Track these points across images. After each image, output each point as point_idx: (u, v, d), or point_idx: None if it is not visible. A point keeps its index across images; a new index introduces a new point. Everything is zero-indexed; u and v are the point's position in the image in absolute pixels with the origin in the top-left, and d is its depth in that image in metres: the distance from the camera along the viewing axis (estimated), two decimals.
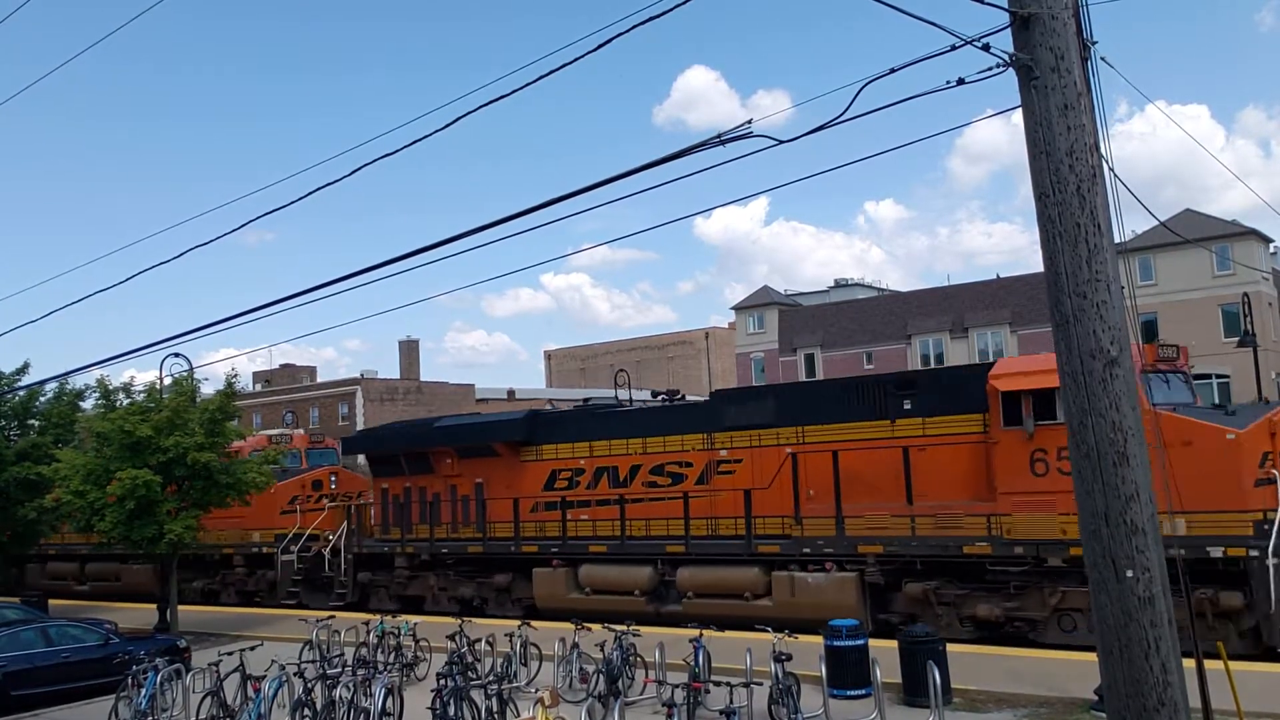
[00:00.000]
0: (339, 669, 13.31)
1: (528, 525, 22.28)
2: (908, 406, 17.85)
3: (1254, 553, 14.34)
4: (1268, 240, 54.94)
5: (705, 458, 20.22)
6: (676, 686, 10.84)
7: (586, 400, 25.21)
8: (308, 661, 14.85)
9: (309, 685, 12.34)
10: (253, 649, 14.07)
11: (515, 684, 13.79)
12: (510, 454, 22.87)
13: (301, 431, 34.22)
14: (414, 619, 17.73)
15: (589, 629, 14.79)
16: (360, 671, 12.55)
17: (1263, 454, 15.27)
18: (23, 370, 25.58)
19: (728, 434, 19.99)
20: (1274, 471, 15.33)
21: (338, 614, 19.36)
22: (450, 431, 24.27)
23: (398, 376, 78.58)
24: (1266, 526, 14.45)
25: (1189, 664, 6.79)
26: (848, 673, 12.98)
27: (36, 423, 25.56)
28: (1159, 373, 16.45)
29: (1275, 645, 14.46)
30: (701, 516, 19.86)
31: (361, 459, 31.36)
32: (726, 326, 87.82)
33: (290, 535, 25.88)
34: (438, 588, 23.48)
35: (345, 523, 25.31)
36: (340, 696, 11.93)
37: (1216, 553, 14.62)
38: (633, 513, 20.59)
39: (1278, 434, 16.10)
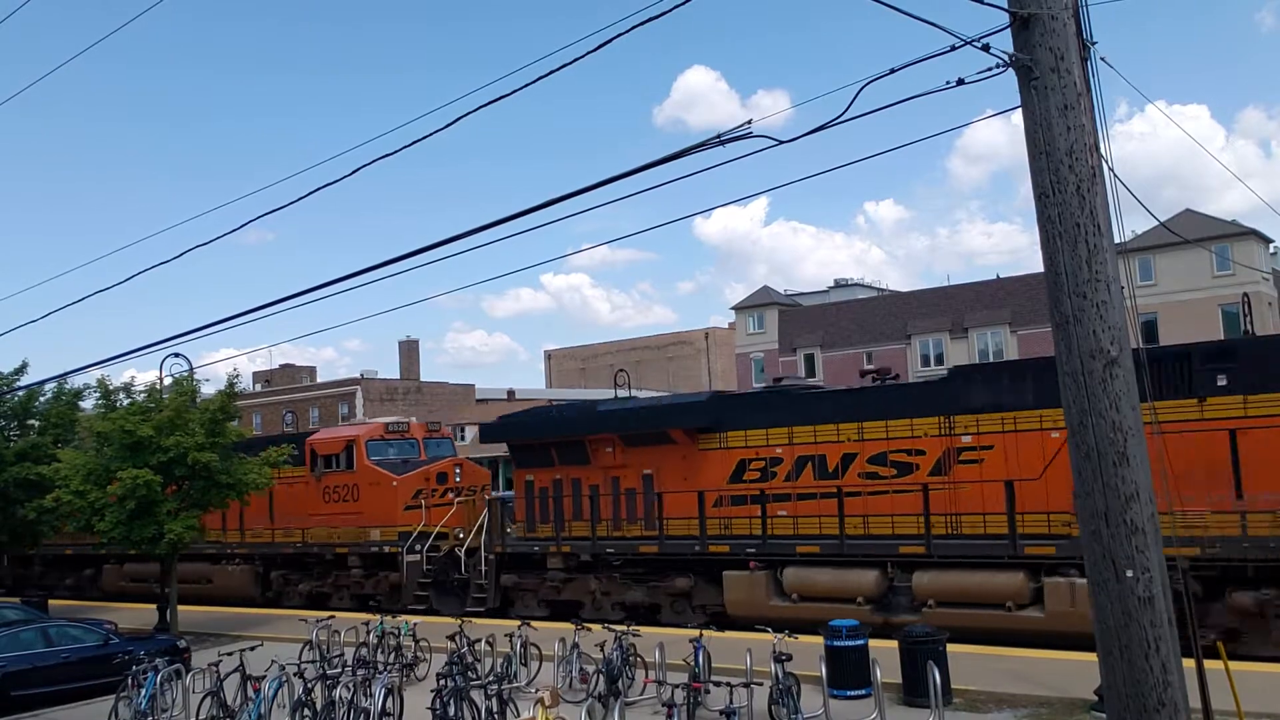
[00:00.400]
0: (339, 669, 13.32)
1: (710, 522, 19.76)
2: (1223, 383, 15.10)
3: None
4: (1268, 240, 54.97)
5: (942, 444, 17.43)
6: (676, 686, 10.85)
7: (778, 380, 22.61)
8: (308, 662, 14.88)
9: (309, 685, 12.34)
10: (253, 649, 14.08)
11: (515, 684, 13.79)
12: (688, 441, 20.30)
13: (415, 419, 31.38)
14: (414, 619, 17.69)
15: (589, 629, 14.81)
16: (360, 672, 12.56)
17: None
18: (21, 370, 25.59)
19: (972, 417, 17.18)
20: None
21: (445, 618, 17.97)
22: (615, 417, 21.63)
23: (397, 377, 78.58)
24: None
25: (1189, 664, 6.79)
26: (848, 673, 12.98)
27: (36, 423, 25.56)
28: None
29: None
30: (938, 513, 17.22)
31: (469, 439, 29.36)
32: (726, 327, 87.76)
33: (416, 533, 23.63)
34: (600, 592, 20.92)
35: (485, 519, 22.87)
36: (340, 697, 11.93)
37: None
38: (848, 508, 18.15)
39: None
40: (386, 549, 24.08)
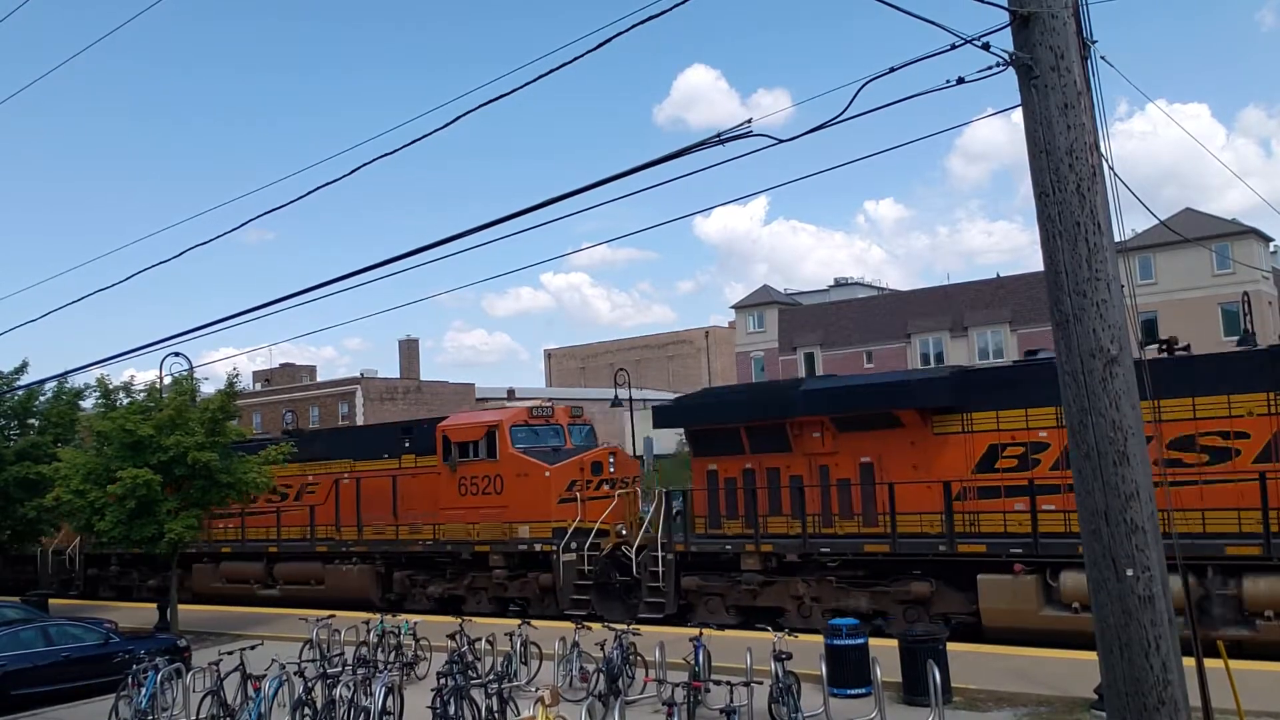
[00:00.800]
0: (339, 668, 13.34)
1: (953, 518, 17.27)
2: None
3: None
4: (1268, 239, 55.01)
5: (1271, 425, 14.89)
6: (677, 685, 10.86)
7: (1031, 352, 19.59)
8: (308, 661, 14.86)
9: (309, 684, 12.34)
10: (253, 648, 14.07)
11: (515, 683, 13.80)
12: (920, 424, 17.79)
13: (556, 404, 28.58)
14: (414, 618, 17.69)
15: (589, 628, 14.81)
16: (360, 670, 12.56)
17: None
18: (22, 369, 25.59)
19: None
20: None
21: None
22: (826, 396, 18.90)
23: (397, 376, 78.55)
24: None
25: (1189, 663, 6.79)
26: (848, 672, 12.99)
27: (36, 422, 25.56)
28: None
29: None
30: (1251, 508, 14.62)
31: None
32: (726, 326, 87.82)
33: (572, 529, 21.14)
34: (809, 597, 18.28)
35: (663, 513, 20.36)
36: (340, 696, 11.93)
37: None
38: None
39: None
40: (538, 547, 21.57)
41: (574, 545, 20.93)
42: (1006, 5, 6.28)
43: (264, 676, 12.70)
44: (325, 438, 29.34)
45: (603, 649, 13.33)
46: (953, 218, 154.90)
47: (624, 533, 21.31)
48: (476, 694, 11.52)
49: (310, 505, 25.96)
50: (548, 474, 21.60)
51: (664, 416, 22.63)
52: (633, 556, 20.18)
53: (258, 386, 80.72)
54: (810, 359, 65.78)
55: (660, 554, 19.79)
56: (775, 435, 19.21)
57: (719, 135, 7.27)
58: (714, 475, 20.34)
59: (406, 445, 24.68)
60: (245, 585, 26.41)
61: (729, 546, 19.36)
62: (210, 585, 27.37)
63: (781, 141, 7.38)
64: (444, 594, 23.25)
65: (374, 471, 25.20)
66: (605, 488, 22.28)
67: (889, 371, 22.49)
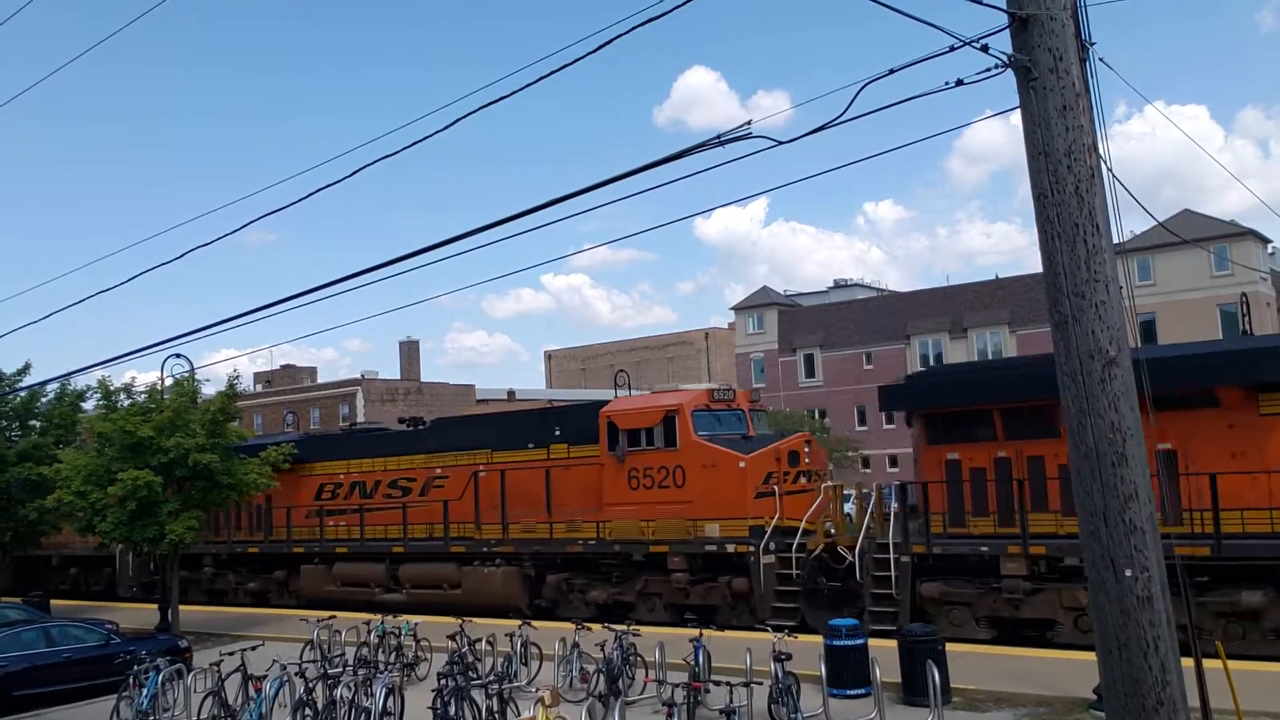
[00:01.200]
0: (340, 669, 13.35)
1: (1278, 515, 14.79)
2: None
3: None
4: (1266, 240, 55.00)
5: None
6: (677, 686, 10.88)
7: None
8: (309, 661, 14.89)
9: (310, 685, 12.36)
10: (254, 649, 14.10)
11: (516, 684, 13.82)
12: (1243, 404, 15.34)
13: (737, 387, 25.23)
14: (415, 619, 17.72)
15: (589, 628, 14.82)
16: (361, 671, 12.58)
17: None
18: (24, 371, 25.63)
19: None
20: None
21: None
22: None
23: (398, 377, 78.58)
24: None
25: (1187, 663, 6.81)
26: (847, 672, 13.02)
27: (38, 423, 25.58)
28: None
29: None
30: None
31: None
32: (726, 327, 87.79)
33: (772, 528, 18.78)
34: None
35: (883, 510, 18.36)
36: (341, 696, 11.96)
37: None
38: None
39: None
40: (731, 548, 19.11)
41: (772, 546, 18.59)
42: (1005, 7, 6.31)
43: (265, 677, 12.71)
44: (455, 426, 26.64)
45: (603, 649, 13.36)
46: (952, 219, 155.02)
47: (833, 531, 19.54)
48: (477, 695, 11.54)
49: (444, 500, 23.67)
50: (743, 465, 19.06)
51: (892, 398, 19.86)
52: (855, 559, 17.81)
53: (258, 388, 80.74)
54: (810, 360, 65.82)
55: (893, 556, 17.20)
56: (1036, 419, 16.53)
57: (719, 137, 7.30)
58: (955, 465, 17.74)
59: (557, 434, 22.43)
60: (364, 589, 24.22)
61: (985, 548, 16.71)
62: (323, 589, 25.12)
63: (781, 143, 7.42)
64: (609, 600, 20.80)
65: (520, 463, 22.79)
66: (802, 480, 19.96)
67: (1195, 342, 19.51)
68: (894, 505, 17.99)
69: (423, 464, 24.56)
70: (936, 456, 18.01)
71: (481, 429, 24.91)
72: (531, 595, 22.09)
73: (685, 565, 19.76)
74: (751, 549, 18.72)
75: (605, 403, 22.41)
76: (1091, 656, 6.67)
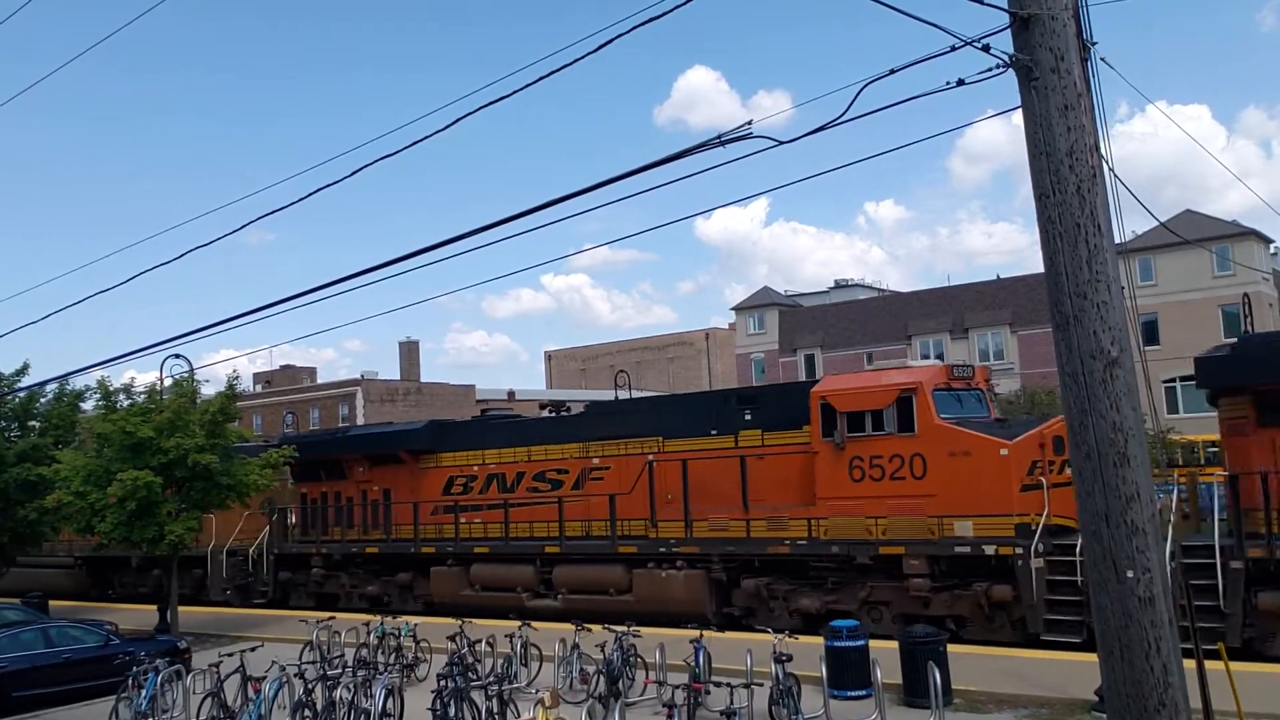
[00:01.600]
0: (339, 670, 13.33)
1: None
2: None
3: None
4: (1268, 241, 55.00)
5: None
6: (677, 687, 10.86)
7: None
8: (308, 662, 14.89)
9: (309, 686, 12.35)
10: (253, 650, 14.11)
11: (516, 685, 13.80)
12: None
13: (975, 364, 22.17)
14: (415, 619, 17.70)
15: (589, 629, 14.80)
16: (361, 672, 12.58)
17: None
18: (23, 371, 25.57)
19: None
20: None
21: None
22: None
23: (398, 378, 78.61)
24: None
25: (1189, 664, 6.79)
26: (848, 673, 12.99)
27: (37, 424, 25.55)
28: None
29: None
30: None
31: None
32: (727, 327, 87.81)
33: (1041, 526, 15.87)
34: None
35: (1230, 505, 14.93)
36: (341, 697, 11.95)
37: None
38: None
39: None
40: (993, 549, 16.22)
41: (1041, 548, 15.92)
42: (1006, 7, 6.30)
43: (264, 678, 12.71)
44: (616, 412, 23.25)
45: (603, 651, 13.34)
46: (953, 219, 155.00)
47: None
48: (477, 696, 11.53)
49: (609, 494, 20.93)
50: (1005, 452, 16.34)
51: (1211, 371, 16.15)
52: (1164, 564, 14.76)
53: (258, 388, 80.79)
54: (810, 360, 65.82)
55: (1220, 562, 14.43)
56: None
57: (720, 137, 7.28)
58: None
59: (748, 418, 19.79)
60: (509, 594, 21.58)
61: None
62: (458, 594, 22.52)
63: (782, 143, 7.40)
64: (821, 609, 17.95)
65: (702, 452, 20.08)
66: (1068, 471, 17.67)
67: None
68: (1215, 501, 15.55)
69: (577, 453, 22.06)
70: (1270, 441, 14.85)
71: (648, 415, 21.85)
72: (719, 602, 19.57)
73: (926, 569, 16.93)
74: (1019, 551, 15.89)
75: (812, 383, 19.91)
76: (1092, 657, 6.65)
